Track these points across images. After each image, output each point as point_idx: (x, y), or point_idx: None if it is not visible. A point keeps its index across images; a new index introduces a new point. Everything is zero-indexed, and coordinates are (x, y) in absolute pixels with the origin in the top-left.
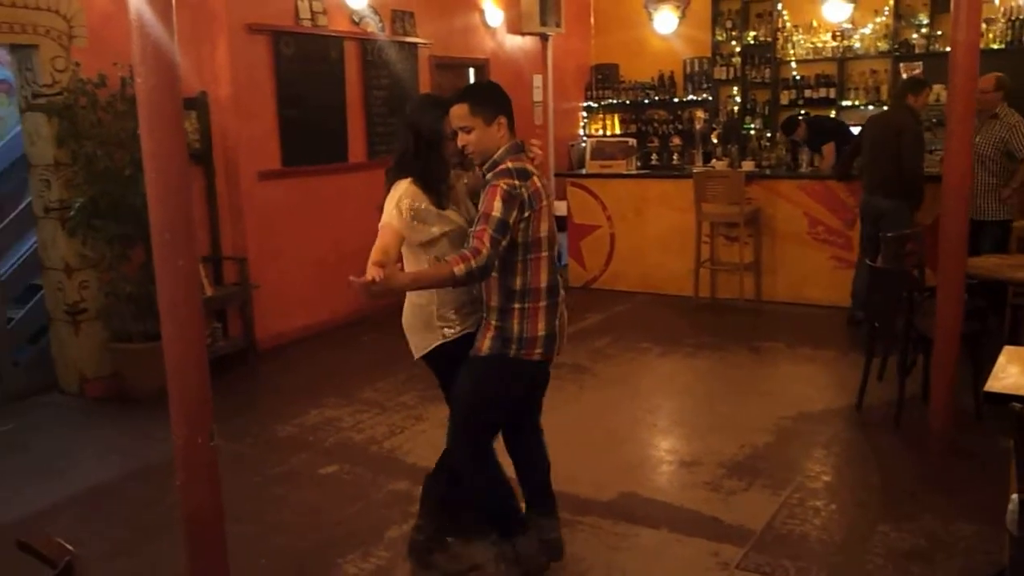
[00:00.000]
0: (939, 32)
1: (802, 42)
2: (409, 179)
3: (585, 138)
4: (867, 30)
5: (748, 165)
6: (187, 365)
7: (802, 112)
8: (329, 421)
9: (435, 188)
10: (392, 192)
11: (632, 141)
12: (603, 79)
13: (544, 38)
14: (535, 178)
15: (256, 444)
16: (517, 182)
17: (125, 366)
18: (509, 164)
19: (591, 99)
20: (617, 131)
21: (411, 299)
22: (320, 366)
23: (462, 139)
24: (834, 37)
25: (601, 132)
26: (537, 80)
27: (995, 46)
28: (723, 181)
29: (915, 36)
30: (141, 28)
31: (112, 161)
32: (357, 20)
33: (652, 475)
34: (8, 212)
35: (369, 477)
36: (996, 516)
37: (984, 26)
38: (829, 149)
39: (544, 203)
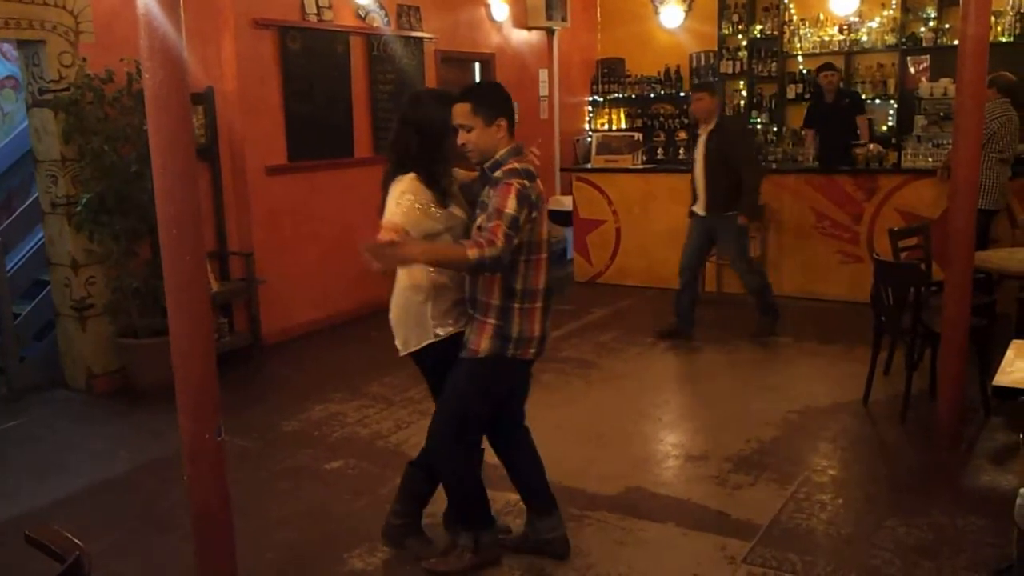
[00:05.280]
0: (947, 25)
1: (809, 36)
2: (412, 175)
3: (591, 133)
4: (874, 24)
5: None
6: (194, 360)
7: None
8: (335, 416)
9: (439, 184)
10: (395, 187)
11: (638, 135)
12: (609, 73)
13: (550, 32)
14: (538, 181)
15: (262, 439)
16: (527, 182)
17: (132, 361)
18: (516, 164)
19: (597, 93)
20: (623, 125)
21: (404, 294)
22: (326, 361)
23: (462, 137)
24: (841, 31)
25: (607, 127)
26: (543, 74)
27: (1003, 39)
28: None
29: (923, 30)
30: (149, 23)
31: (119, 157)
32: (363, 15)
33: (658, 470)
34: (15, 207)
35: (375, 472)
36: (1004, 510)
37: (992, 19)
38: (863, 122)
39: (545, 206)
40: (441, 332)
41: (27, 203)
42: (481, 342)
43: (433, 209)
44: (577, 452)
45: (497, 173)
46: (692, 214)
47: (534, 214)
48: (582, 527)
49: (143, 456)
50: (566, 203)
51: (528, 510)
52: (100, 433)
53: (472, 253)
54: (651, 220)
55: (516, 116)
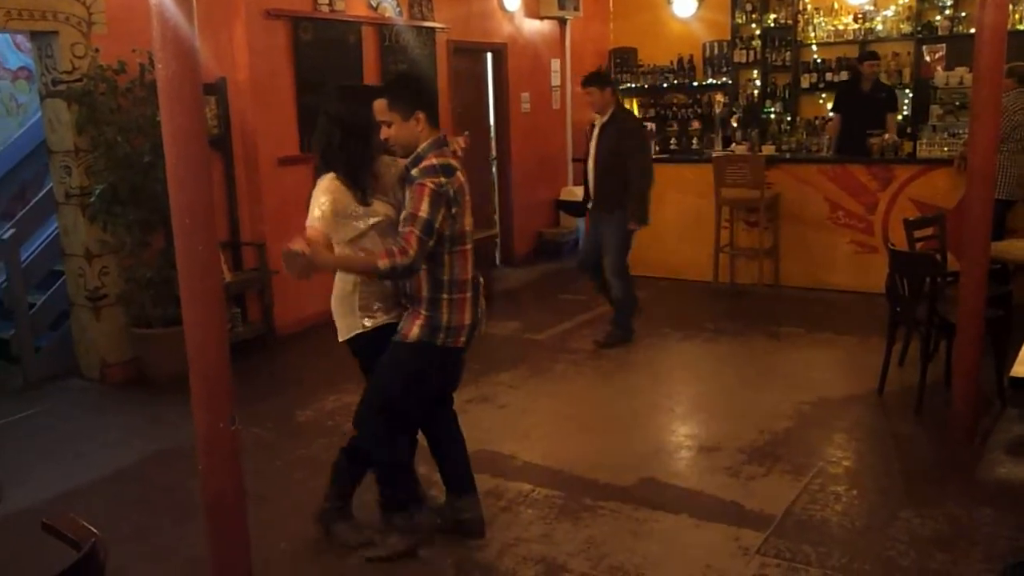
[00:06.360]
0: (963, 14)
1: (823, 24)
2: (332, 175)
3: None
4: (890, 12)
5: (768, 149)
6: (208, 350)
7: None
8: (348, 406)
9: (360, 182)
10: (316, 189)
11: (651, 125)
12: (622, 63)
13: (562, 22)
14: (459, 173)
15: (275, 429)
16: (443, 179)
17: (145, 351)
18: (434, 160)
19: None
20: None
21: (338, 286)
22: (338, 351)
23: (383, 132)
24: (856, 19)
25: None
26: (555, 64)
27: (1021, 27)
28: (743, 165)
29: (939, 18)
30: (161, 14)
31: (132, 147)
32: (375, 5)
33: (672, 460)
34: (30, 198)
35: None
36: (1020, 502)
37: (1010, 7)
38: (893, 119)
39: (467, 197)
40: (368, 323)
41: (41, 194)
42: (412, 329)
43: (353, 208)
44: (590, 443)
45: (414, 171)
46: (587, 209)
47: (454, 210)
48: (595, 517)
49: (157, 445)
50: (579, 193)
51: (447, 489)
52: (114, 422)
53: (383, 264)
54: (664, 210)
55: (438, 107)
